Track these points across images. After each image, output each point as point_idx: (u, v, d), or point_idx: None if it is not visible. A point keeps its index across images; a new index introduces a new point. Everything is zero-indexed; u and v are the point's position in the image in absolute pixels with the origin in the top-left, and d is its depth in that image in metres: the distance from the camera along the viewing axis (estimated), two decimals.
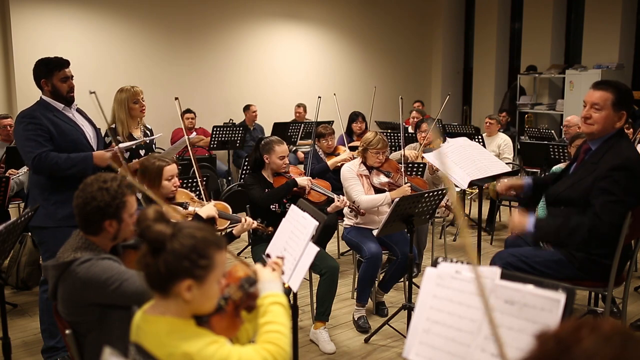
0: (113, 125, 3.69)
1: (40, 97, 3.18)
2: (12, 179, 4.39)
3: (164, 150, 4.90)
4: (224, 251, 1.51)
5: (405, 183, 3.84)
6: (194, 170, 4.02)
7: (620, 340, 0.85)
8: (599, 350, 0.83)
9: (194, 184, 3.99)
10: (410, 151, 5.25)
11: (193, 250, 1.44)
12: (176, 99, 3.68)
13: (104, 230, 2.00)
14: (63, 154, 3.04)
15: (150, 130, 3.98)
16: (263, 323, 1.55)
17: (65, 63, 3.17)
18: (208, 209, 3.02)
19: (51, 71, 3.12)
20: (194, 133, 7.53)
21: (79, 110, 3.31)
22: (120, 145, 3.32)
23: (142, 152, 3.68)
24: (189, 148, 3.88)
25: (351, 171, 3.90)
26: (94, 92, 3.08)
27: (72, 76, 3.20)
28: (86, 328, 1.96)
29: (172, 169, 3.11)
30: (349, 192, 3.87)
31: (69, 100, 3.19)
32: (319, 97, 5.25)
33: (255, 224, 3.21)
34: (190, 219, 2.94)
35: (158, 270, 1.43)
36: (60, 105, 3.16)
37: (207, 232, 1.49)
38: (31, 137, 3.01)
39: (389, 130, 6.69)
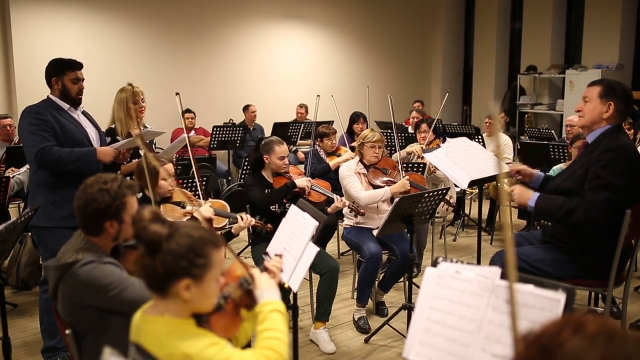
0: (113, 125, 3.70)
1: (47, 96, 3.21)
2: (12, 177, 4.39)
3: (163, 149, 4.90)
4: (221, 249, 1.51)
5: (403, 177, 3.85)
6: (194, 170, 4.01)
7: (605, 340, 0.82)
8: (583, 353, 0.80)
9: (194, 184, 3.99)
10: (415, 146, 5.25)
11: (190, 249, 1.44)
12: (177, 94, 3.69)
13: (104, 231, 1.99)
14: (66, 149, 3.05)
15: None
16: (262, 330, 1.56)
17: (78, 65, 3.20)
18: (204, 211, 3.01)
19: (63, 70, 3.15)
20: (192, 132, 7.53)
21: (84, 113, 3.32)
22: (136, 133, 3.33)
23: (141, 152, 3.68)
24: (189, 148, 3.88)
25: (349, 169, 3.92)
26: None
27: (83, 79, 3.23)
28: (85, 329, 1.96)
29: (168, 168, 3.11)
30: (348, 189, 3.87)
31: (76, 102, 3.21)
32: (317, 95, 5.25)
33: (253, 221, 3.21)
34: (187, 218, 2.94)
35: (156, 270, 1.43)
36: (65, 106, 3.18)
37: (203, 231, 1.49)
38: (35, 132, 3.03)
39: (389, 131, 6.68)
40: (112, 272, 1.93)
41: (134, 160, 3.55)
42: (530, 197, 2.85)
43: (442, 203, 3.86)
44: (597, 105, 2.81)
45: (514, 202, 2.94)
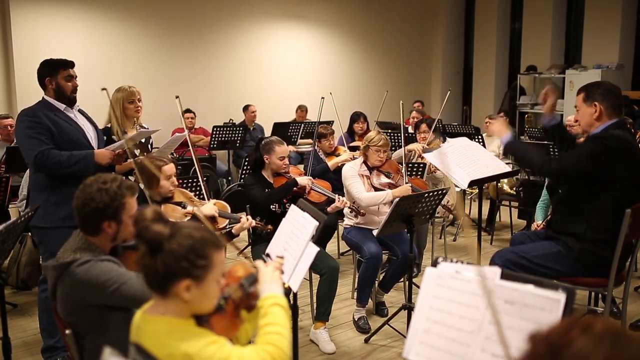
0: (109, 125, 3.70)
1: (42, 97, 3.19)
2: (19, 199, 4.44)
3: (158, 148, 4.88)
4: (222, 251, 1.51)
5: (406, 183, 3.85)
6: (194, 169, 4.00)
7: (612, 340, 0.83)
8: (591, 353, 0.82)
9: (194, 184, 3.98)
10: (415, 145, 5.24)
11: (191, 250, 1.44)
12: (177, 97, 3.69)
13: (103, 231, 1.99)
14: (65, 152, 3.04)
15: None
16: (263, 324, 1.55)
17: (70, 63, 3.20)
18: (208, 208, 3.02)
19: (56, 70, 3.15)
20: (186, 132, 7.50)
21: (80, 111, 3.31)
22: (128, 135, 3.30)
23: (137, 151, 3.67)
24: (190, 147, 3.87)
25: (352, 170, 3.91)
26: (105, 89, 3.15)
27: (76, 76, 3.23)
28: (84, 328, 1.96)
29: (170, 168, 3.10)
30: (350, 190, 3.87)
31: (71, 100, 3.20)
32: (322, 97, 5.24)
33: (254, 222, 3.21)
34: (188, 218, 2.94)
35: (156, 270, 1.43)
36: (61, 106, 3.17)
37: (205, 232, 1.49)
38: (33, 135, 3.02)
39: (389, 131, 6.69)
40: (110, 269, 1.93)
41: (129, 160, 3.55)
42: (507, 132, 3.05)
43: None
44: (585, 109, 2.93)
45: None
